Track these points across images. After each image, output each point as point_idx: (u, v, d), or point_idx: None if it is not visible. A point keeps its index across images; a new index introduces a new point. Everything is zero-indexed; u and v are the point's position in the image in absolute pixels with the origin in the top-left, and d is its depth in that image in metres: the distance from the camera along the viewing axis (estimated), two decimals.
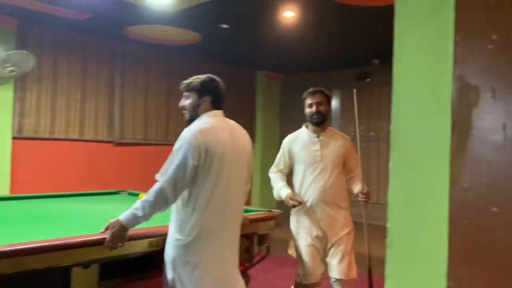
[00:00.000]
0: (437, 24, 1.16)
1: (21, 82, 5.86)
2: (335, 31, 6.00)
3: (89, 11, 5.39)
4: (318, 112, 3.15)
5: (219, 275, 2.24)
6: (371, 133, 8.21)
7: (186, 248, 2.15)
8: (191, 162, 2.11)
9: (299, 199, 3.04)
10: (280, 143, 3.34)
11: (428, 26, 1.18)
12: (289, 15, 5.37)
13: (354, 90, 3.24)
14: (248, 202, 8.21)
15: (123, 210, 2.19)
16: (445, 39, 1.13)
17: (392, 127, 1.24)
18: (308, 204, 3.09)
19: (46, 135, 6.14)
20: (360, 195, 3.11)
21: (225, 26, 5.83)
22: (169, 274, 2.20)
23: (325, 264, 3.12)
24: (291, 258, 3.24)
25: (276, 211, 3.19)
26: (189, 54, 7.52)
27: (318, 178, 3.10)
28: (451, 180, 1.09)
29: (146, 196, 2.14)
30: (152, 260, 2.36)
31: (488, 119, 1.05)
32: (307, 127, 3.25)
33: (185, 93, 2.36)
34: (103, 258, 2.12)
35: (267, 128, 9.10)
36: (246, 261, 2.88)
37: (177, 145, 2.19)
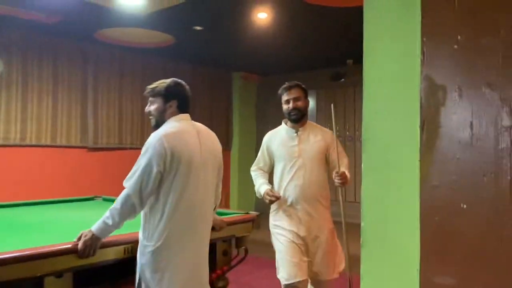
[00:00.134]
0: (404, 26, 1.18)
1: None
2: (308, 32, 6.03)
3: (59, 14, 5.28)
4: (295, 108, 3.03)
5: (188, 282, 2.22)
6: (347, 133, 8.30)
7: (155, 254, 2.13)
8: (156, 168, 2.10)
9: (276, 195, 2.96)
10: (257, 144, 3.27)
11: (396, 28, 1.20)
12: (262, 16, 5.38)
13: (332, 105, 3.12)
14: (226, 205, 8.21)
15: (99, 216, 2.16)
16: (412, 40, 1.15)
17: (363, 127, 1.26)
18: (288, 202, 3.00)
19: (17, 142, 5.98)
20: (335, 175, 2.93)
21: (198, 28, 5.80)
22: (138, 282, 2.18)
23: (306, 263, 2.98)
24: (271, 259, 3.12)
25: (253, 213, 3.19)
26: (164, 57, 7.46)
27: (297, 175, 2.99)
28: (421, 178, 1.11)
29: (114, 204, 2.13)
30: (127, 267, 2.33)
31: (455, 118, 1.07)
32: (286, 123, 3.15)
33: (151, 99, 2.34)
34: (76, 266, 2.08)
35: (244, 129, 9.09)
36: (224, 264, 2.87)
37: (143, 150, 2.18)
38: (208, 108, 8.36)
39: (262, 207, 3.17)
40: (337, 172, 2.90)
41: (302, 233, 2.96)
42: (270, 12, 5.26)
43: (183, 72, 7.85)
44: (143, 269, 2.16)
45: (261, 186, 3.09)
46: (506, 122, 0.98)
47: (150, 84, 2.41)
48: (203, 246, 2.33)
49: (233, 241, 2.99)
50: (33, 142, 6.11)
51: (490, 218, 1.00)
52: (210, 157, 2.34)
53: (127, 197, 2.11)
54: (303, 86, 3.11)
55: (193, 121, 2.37)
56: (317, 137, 3.06)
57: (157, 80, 2.44)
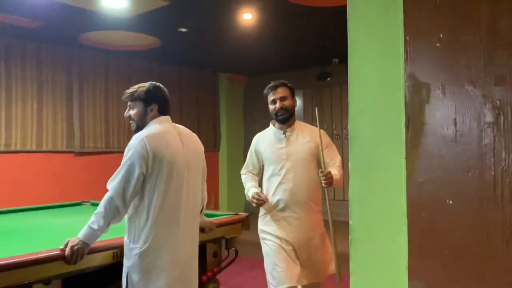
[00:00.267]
0: (387, 25, 1.19)
1: None
2: (294, 32, 6.06)
3: (42, 19, 5.23)
4: (282, 108, 2.89)
5: (177, 283, 2.21)
6: (334, 131, 8.34)
7: (142, 257, 2.12)
8: (138, 170, 2.10)
9: (263, 198, 2.86)
10: (246, 145, 3.20)
11: (379, 27, 1.21)
12: (247, 17, 5.38)
13: (316, 109, 2.98)
14: (215, 206, 8.20)
15: (87, 221, 2.15)
16: (395, 39, 1.16)
17: (349, 126, 1.27)
18: (277, 206, 2.89)
19: (1, 148, 5.90)
20: (320, 175, 2.80)
21: (183, 30, 5.79)
22: (126, 286, 2.17)
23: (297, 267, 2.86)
24: (261, 260, 3.01)
25: (242, 214, 3.18)
26: (149, 59, 7.42)
27: (286, 178, 2.86)
28: (407, 175, 1.12)
29: (98, 208, 2.13)
30: (116, 272, 2.31)
31: (439, 115, 1.08)
32: (274, 124, 3.02)
33: (130, 103, 2.33)
34: (65, 273, 2.06)
35: (232, 130, 9.09)
36: (215, 266, 2.87)
37: (125, 152, 2.18)
38: (195, 110, 8.34)
39: (252, 208, 3.14)
40: (322, 172, 2.80)
41: (292, 238, 2.85)
42: (255, 12, 5.26)
43: (169, 74, 7.83)
44: (130, 272, 2.15)
45: (249, 190, 3.00)
46: (488, 118, 1.00)
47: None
48: (191, 246, 2.33)
49: (223, 243, 2.99)
50: (18, 148, 6.04)
51: (475, 213, 1.01)
52: (193, 157, 2.35)
53: (110, 200, 2.11)
54: (289, 85, 2.98)
55: (174, 123, 2.37)
56: (306, 138, 2.93)
57: (143, 83, 2.45)
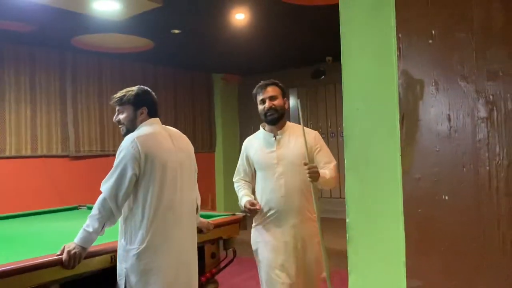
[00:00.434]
0: (379, 23, 1.19)
1: None
2: (287, 31, 6.06)
3: (34, 23, 5.20)
4: (271, 108, 2.73)
5: (176, 284, 2.22)
6: (329, 129, 8.36)
7: (139, 257, 2.13)
8: (131, 171, 2.12)
9: (255, 207, 2.68)
10: (241, 145, 3.01)
11: (371, 25, 1.22)
12: (240, 17, 5.38)
13: (298, 101, 2.86)
14: (212, 207, 8.19)
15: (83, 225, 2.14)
16: (388, 36, 1.17)
17: (344, 124, 1.27)
18: (269, 215, 2.72)
19: None
20: (304, 167, 2.60)
21: (176, 31, 5.78)
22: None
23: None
24: None
25: (239, 214, 3.19)
26: (143, 61, 7.40)
27: (278, 184, 2.68)
28: (403, 172, 1.12)
29: (92, 210, 2.14)
30: (114, 276, 2.31)
31: (433, 111, 1.09)
32: (264, 127, 2.86)
33: (119, 108, 2.35)
34: (63, 278, 2.05)
35: (227, 130, 9.09)
36: (213, 267, 2.87)
37: (117, 154, 2.20)
38: (190, 111, 8.33)
39: None
40: (305, 164, 2.59)
41: (286, 251, 2.67)
42: (247, 12, 5.26)
43: (163, 76, 7.82)
44: (128, 273, 2.15)
45: (242, 199, 2.81)
46: (482, 113, 1.00)
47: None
48: (190, 246, 2.33)
49: (221, 243, 2.99)
50: (13, 154, 6.01)
51: (471, 209, 1.02)
52: (185, 158, 2.38)
53: (104, 201, 2.12)
54: (280, 84, 2.83)
55: (164, 125, 2.39)
56: (298, 140, 2.72)
57: (137, 85, 2.46)
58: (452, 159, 1.06)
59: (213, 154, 8.71)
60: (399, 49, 1.13)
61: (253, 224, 2.83)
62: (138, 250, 2.13)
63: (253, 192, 2.90)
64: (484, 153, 1.00)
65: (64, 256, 2.02)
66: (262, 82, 2.84)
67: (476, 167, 1.01)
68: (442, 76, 1.08)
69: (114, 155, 2.23)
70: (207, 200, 7.97)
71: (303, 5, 4.96)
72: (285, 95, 2.85)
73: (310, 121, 8.27)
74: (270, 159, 2.75)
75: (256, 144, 2.85)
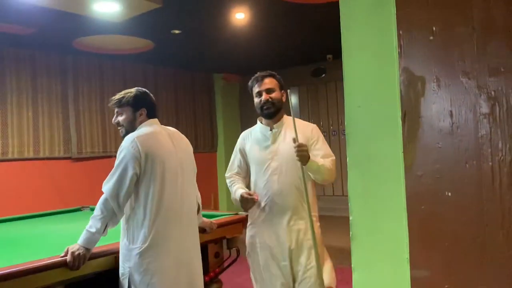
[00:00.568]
0: (379, 19, 1.19)
1: None
2: (287, 30, 6.06)
3: (34, 25, 5.21)
4: (268, 101, 2.58)
5: (180, 283, 2.23)
6: (331, 127, 8.35)
7: (143, 256, 2.14)
8: (131, 170, 2.14)
9: (254, 197, 2.50)
10: None
11: (371, 22, 1.22)
12: (239, 16, 5.38)
13: (288, 90, 2.64)
14: (215, 206, 8.20)
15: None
16: (388, 33, 1.16)
17: (346, 122, 1.27)
18: (263, 214, 2.57)
19: None
20: (293, 145, 2.42)
21: (176, 31, 5.78)
22: (128, 287, 2.18)
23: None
24: None
25: (242, 213, 3.19)
26: (144, 62, 7.41)
27: (271, 180, 2.53)
28: (405, 168, 1.12)
29: (95, 211, 2.16)
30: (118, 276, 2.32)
31: (435, 107, 1.09)
32: (261, 121, 2.71)
33: (117, 110, 2.37)
34: (68, 279, 2.06)
35: (228, 130, 9.09)
36: (217, 266, 2.87)
37: (117, 154, 2.21)
38: (192, 111, 8.34)
39: None
40: (294, 142, 2.41)
41: (280, 252, 2.53)
42: (247, 12, 5.26)
43: (164, 76, 7.83)
44: (131, 272, 2.16)
45: (236, 192, 2.63)
46: (484, 109, 1.00)
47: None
48: (192, 246, 2.34)
49: (224, 243, 3.00)
50: (16, 156, 6.03)
51: (474, 205, 1.02)
52: (185, 157, 2.40)
53: (106, 202, 2.14)
54: (277, 75, 2.67)
55: (163, 125, 2.42)
56: (294, 134, 2.52)
57: (138, 86, 2.50)
58: (454, 155, 1.06)
59: (215, 154, 8.71)
60: (400, 46, 1.13)
61: (248, 224, 2.71)
62: (141, 249, 2.14)
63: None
64: (486, 148, 1.00)
65: (68, 257, 2.03)
66: (258, 74, 2.68)
67: (479, 163, 1.01)
68: (444, 72, 1.08)
69: (116, 156, 2.24)
70: (210, 200, 7.98)
71: (302, 3, 4.96)
72: (283, 88, 2.69)
73: (311, 119, 8.27)
74: (265, 153, 2.60)
75: (252, 137, 2.73)
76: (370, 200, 1.23)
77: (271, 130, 2.64)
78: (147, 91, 2.44)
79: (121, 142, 2.27)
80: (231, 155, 2.88)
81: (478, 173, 1.02)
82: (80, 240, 2.10)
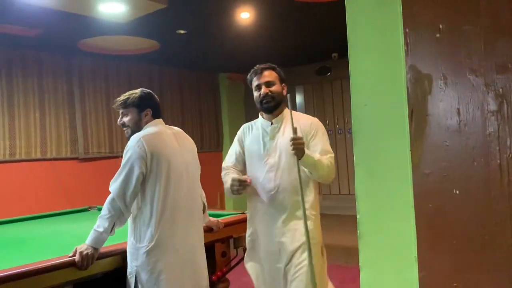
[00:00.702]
0: (385, 17, 1.19)
1: None
2: (291, 29, 6.05)
3: (40, 27, 5.24)
4: (268, 95, 2.43)
5: (187, 281, 2.24)
6: (337, 126, 8.34)
7: (150, 254, 2.16)
8: (138, 170, 2.16)
9: (245, 179, 2.35)
10: None
11: (377, 20, 1.21)
12: (245, 16, 5.38)
13: (288, 96, 2.44)
14: (221, 206, 8.21)
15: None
16: (395, 31, 1.16)
17: (352, 120, 1.27)
18: (259, 213, 2.45)
19: (6, 158, 5.92)
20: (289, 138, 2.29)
21: (182, 31, 5.79)
22: (135, 285, 2.19)
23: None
24: None
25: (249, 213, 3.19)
26: (149, 62, 7.43)
27: (267, 178, 2.39)
28: (413, 167, 1.12)
29: (102, 211, 2.18)
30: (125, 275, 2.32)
31: (442, 105, 1.09)
32: (262, 115, 2.56)
33: (122, 111, 2.39)
34: (76, 279, 2.07)
35: (234, 129, 9.04)
36: (224, 265, 2.88)
37: (124, 154, 2.23)
38: (197, 111, 8.36)
39: None
40: (292, 139, 2.26)
41: (279, 254, 2.37)
42: (252, 11, 5.26)
43: (169, 76, 7.85)
44: (138, 271, 2.18)
45: (227, 181, 2.45)
46: (492, 106, 1.00)
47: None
48: (195, 244, 2.35)
49: (231, 242, 3.00)
50: (23, 157, 6.07)
51: (482, 203, 1.01)
52: (190, 156, 2.43)
53: (113, 201, 2.16)
54: (277, 68, 2.54)
55: (168, 125, 2.45)
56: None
57: (144, 87, 2.53)
58: (462, 153, 1.05)
59: (221, 153, 8.72)
60: (406, 44, 1.13)
61: (247, 222, 2.60)
62: (148, 248, 2.16)
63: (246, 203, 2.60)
64: (494, 146, 1.00)
65: (77, 257, 2.05)
66: (257, 66, 2.55)
67: (487, 161, 1.01)
68: (451, 70, 1.08)
69: (123, 156, 2.25)
70: (216, 199, 7.99)
71: (307, 2, 4.95)
72: (284, 81, 2.54)
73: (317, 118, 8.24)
74: (263, 149, 2.46)
75: (253, 131, 2.58)
76: (378, 199, 1.22)
77: (272, 124, 2.49)
78: (151, 92, 2.47)
79: (127, 142, 2.29)
80: None
81: (486, 171, 1.01)
82: (88, 240, 2.11)
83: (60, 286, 2.02)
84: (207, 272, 2.41)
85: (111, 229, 2.15)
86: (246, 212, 3.19)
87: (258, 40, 6.49)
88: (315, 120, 2.52)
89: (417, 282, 1.10)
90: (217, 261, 2.84)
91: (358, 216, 1.25)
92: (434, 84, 1.10)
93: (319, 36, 6.51)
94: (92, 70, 6.85)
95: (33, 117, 6.19)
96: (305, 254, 2.29)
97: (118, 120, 2.42)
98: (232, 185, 2.38)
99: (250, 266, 2.54)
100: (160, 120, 2.42)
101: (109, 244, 2.25)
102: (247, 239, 2.56)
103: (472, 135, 1.03)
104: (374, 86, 1.25)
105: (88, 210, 4.31)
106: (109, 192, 2.19)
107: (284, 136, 2.41)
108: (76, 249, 2.09)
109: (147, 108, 2.37)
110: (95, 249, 2.10)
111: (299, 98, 8.76)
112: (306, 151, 2.28)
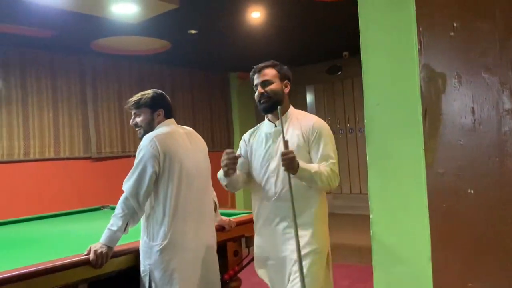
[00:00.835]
0: (398, 16, 1.18)
1: None
2: (303, 27, 6.04)
3: (53, 28, 5.30)
4: (263, 95, 2.24)
5: (196, 279, 2.26)
6: (348, 125, 8.30)
7: (163, 253, 2.17)
8: (151, 169, 2.18)
9: (229, 153, 2.17)
10: None
11: (390, 19, 1.21)
12: (255, 15, 5.38)
13: (279, 108, 2.16)
14: (232, 205, 8.22)
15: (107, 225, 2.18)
16: (408, 30, 1.16)
17: (365, 120, 1.27)
18: (261, 222, 2.31)
19: (21, 157, 6.01)
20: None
21: (193, 31, 5.81)
22: (149, 284, 2.20)
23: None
24: None
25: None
26: (160, 63, 7.47)
27: (269, 184, 2.22)
28: (427, 166, 1.12)
29: (116, 210, 2.20)
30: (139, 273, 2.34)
31: (456, 104, 1.08)
32: (267, 117, 2.37)
33: (135, 111, 2.41)
34: (91, 277, 2.09)
35: (244, 129, 9.05)
36: (236, 264, 2.88)
37: (137, 153, 2.25)
38: (208, 110, 8.39)
39: None
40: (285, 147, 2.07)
41: (283, 267, 2.22)
42: (263, 10, 5.26)
43: (180, 76, 7.88)
44: (151, 269, 2.19)
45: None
46: (507, 105, 0.99)
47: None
48: (207, 243, 2.37)
49: (243, 241, 3.00)
50: (37, 157, 6.15)
51: (497, 202, 1.01)
52: (201, 156, 2.45)
53: (126, 200, 2.18)
54: (278, 65, 2.35)
55: (180, 125, 2.47)
56: (296, 131, 2.23)
57: (155, 87, 2.54)
58: (476, 152, 1.04)
59: None
60: (420, 42, 1.12)
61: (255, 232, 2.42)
62: (161, 246, 2.18)
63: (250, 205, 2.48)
64: (510, 145, 0.99)
65: (91, 256, 2.07)
66: (258, 65, 2.39)
67: (502, 160, 1.00)
68: (465, 68, 1.07)
69: (135, 155, 2.27)
70: (227, 198, 8.00)
71: (318, 0, 4.93)
72: (286, 77, 2.33)
73: (327, 117, 8.22)
74: (265, 153, 2.27)
75: (258, 135, 2.41)
76: (391, 198, 1.22)
77: (276, 127, 2.28)
78: (163, 92, 2.50)
79: (139, 142, 2.31)
80: None
81: (501, 170, 1.00)
82: (102, 239, 2.13)
83: (75, 284, 2.05)
84: (218, 270, 2.43)
85: (124, 228, 2.17)
86: None
87: (269, 40, 6.48)
88: (318, 121, 2.28)
89: (431, 282, 1.10)
90: (229, 260, 2.85)
91: (371, 216, 1.25)
92: (448, 83, 1.09)
93: (329, 35, 6.48)
94: (104, 70, 6.91)
95: (46, 117, 6.27)
96: (305, 262, 2.11)
97: (131, 120, 2.44)
98: (222, 161, 2.20)
99: (261, 273, 2.43)
100: (172, 120, 2.44)
101: (122, 243, 2.27)
102: (255, 245, 2.44)
103: (487, 134, 1.02)
104: (387, 85, 1.24)
105: (101, 209, 4.34)
106: (122, 191, 2.21)
107: (288, 137, 2.17)
108: (90, 247, 2.11)
109: (159, 108, 2.39)
110: (109, 247, 2.12)
111: (309, 98, 8.74)
112: (301, 164, 2.08)
